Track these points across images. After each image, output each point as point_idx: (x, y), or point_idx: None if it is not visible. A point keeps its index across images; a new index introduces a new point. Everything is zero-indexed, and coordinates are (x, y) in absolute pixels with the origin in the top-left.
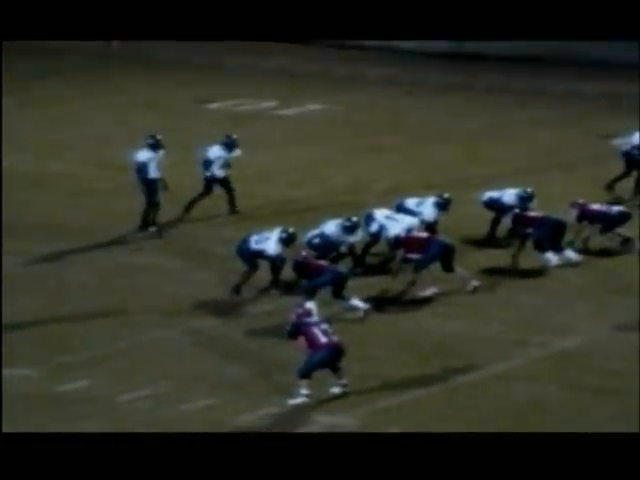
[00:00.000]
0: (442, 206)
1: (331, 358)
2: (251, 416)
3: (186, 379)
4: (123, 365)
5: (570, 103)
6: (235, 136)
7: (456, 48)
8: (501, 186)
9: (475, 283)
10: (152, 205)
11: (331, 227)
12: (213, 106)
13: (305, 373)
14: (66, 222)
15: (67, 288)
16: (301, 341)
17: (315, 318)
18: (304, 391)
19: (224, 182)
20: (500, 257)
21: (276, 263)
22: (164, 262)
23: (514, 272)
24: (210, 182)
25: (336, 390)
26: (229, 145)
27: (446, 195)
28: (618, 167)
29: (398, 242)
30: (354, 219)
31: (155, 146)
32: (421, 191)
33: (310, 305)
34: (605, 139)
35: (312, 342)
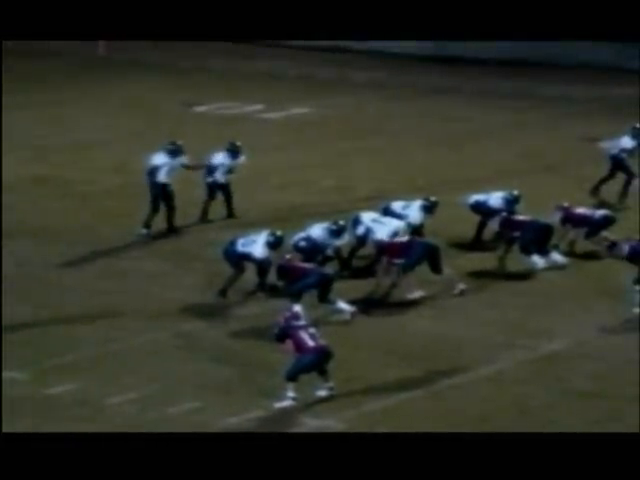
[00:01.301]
0: (428, 209)
1: (319, 361)
2: (238, 419)
3: (173, 382)
4: (111, 368)
5: (556, 105)
6: (239, 143)
7: (442, 51)
8: (487, 189)
9: (462, 286)
10: (154, 209)
11: (317, 230)
12: (199, 109)
13: (292, 376)
14: (54, 225)
15: (55, 291)
16: (288, 344)
17: (303, 322)
18: (291, 394)
19: (224, 187)
20: (487, 260)
21: (263, 266)
22: (152, 265)
23: (500, 275)
24: (212, 187)
25: (322, 393)
26: (233, 152)
27: (432, 198)
28: (604, 170)
29: (381, 248)
30: (340, 222)
31: (173, 152)
32: (407, 194)
33: (298, 308)
34: (591, 142)
35: (300, 345)
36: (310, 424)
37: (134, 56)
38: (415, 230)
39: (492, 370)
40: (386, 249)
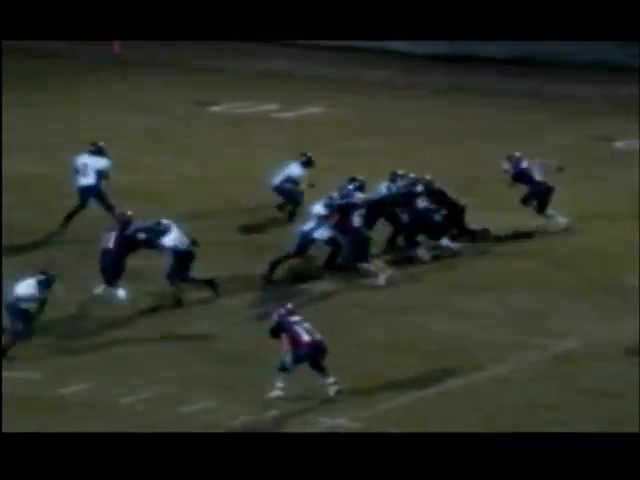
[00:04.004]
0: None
1: (314, 356)
2: (250, 418)
3: (186, 381)
4: (125, 368)
5: (569, 104)
6: (310, 154)
7: (455, 50)
8: (499, 188)
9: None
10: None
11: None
12: (213, 109)
13: (283, 367)
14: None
15: (69, 290)
16: (284, 340)
17: (297, 317)
18: (280, 384)
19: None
20: (498, 259)
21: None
22: (161, 264)
23: (512, 273)
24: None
25: (331, 391)
26: (306, 163)
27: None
28: (619, 170)
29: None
30: None
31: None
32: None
33: (291, 305)
34: (605, 141)
35: (295, 340)
36: (324, 423)
37: (148, 55)
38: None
39: (505, 370)
40: None
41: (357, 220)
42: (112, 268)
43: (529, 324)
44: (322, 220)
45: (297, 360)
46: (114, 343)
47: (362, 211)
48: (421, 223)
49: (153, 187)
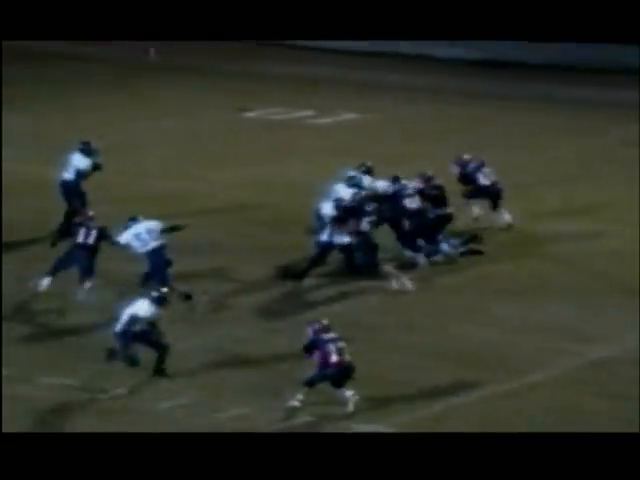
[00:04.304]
0: None
1: (339, 377)
2: (285, 425)
3: (221, 387)
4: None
5: (604, 110)
6: (370, 163)
7: (491, 55)
8: (536, 192)
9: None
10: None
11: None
12: (250, 115)
13: (310, 383)
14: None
15: (105, 295)
16: (315, 356)
17: (332, 335)
18: (300, 397)
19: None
20: (527, 264)
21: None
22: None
23: (545, 279)
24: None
25: (351, 405)
26: (367, 172)
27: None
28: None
29: None
30: None
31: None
32: (455, 198)
33: (326, 321)
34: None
35: (324, 359)
36: (360, 430)
37: (185, 61)
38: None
39: (540, 376)
40: None
41: (366, 225)
42: (89, 264)
43: (563, 330)
44: (335, 225)
45: (322, 378)
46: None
47: (373, 217)
48: (418, 225)
49: (188, 193)
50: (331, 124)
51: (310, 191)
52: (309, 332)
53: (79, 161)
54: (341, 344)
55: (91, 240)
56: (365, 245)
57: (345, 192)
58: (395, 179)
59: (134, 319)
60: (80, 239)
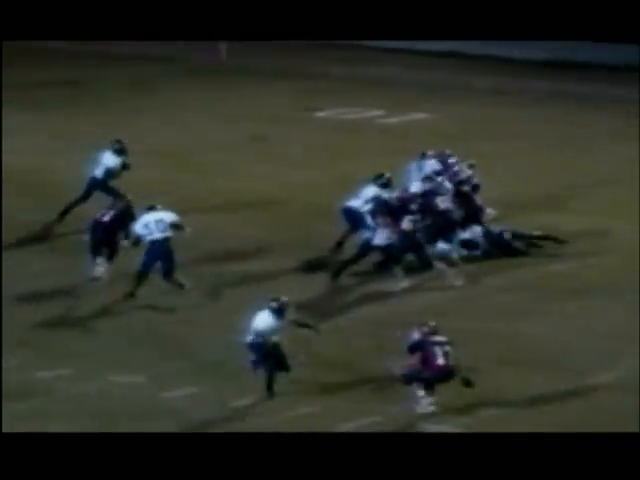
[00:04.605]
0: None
1: (439, 381)
2: (354, 424)
3: (290, 386)
4: (230, 371)
5: None
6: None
7: (561, 56)
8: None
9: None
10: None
11: None
12: (320, 114)
13: (427, 387)
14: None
15: (178, 298)
16: (416, 357)
17: (440, 338)
18: (426, 400)
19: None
20: (591, 263)
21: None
22: (268, 267)
23: (609, 279)
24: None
25: (424, 407)
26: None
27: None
28: None
29: None
30: None
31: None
32: (526, 200)
33: (433, 323)
34: None
35: (428, 360)
36: (427, 429)
37: (255, 61)
38: None
39: (604, 378)
40: None
41: (408, 224)
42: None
43: (627, 331)
44: (376, 222)
45: (421, 380)
46: (220, 346)
47: (416, 216)
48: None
49: (258, 193)
50: (401, 124)
51: None
52: (415, 334)
53: (109, 159)
54: (448, 348)
55: (107, 218)
56: (410, 244)
57: (374, 192)
58: (428, 178)
59: (255, 332)
60: (97, 215)
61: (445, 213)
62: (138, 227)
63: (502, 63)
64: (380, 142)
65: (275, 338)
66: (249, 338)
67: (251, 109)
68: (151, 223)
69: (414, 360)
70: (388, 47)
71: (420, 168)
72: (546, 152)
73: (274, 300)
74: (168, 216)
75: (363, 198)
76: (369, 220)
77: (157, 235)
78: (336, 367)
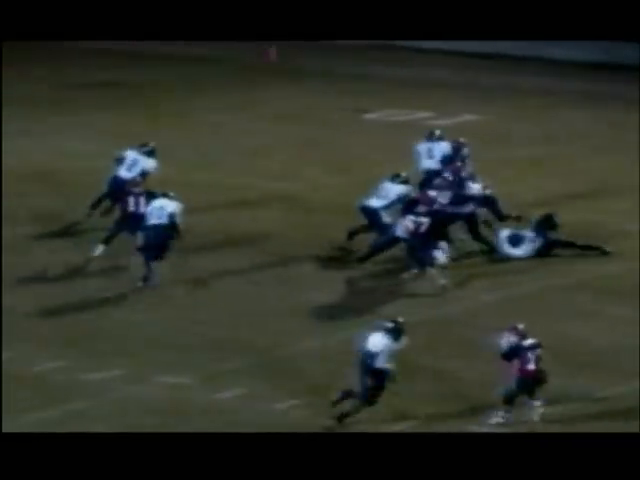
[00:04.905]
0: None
1: (535, 386)
2: (399, 427)
3: (341, 389)
4: (278, 373)
5: None
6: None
7: (610, 58)
8: None
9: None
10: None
11: None
12: (370, 116)
13: (510, 399)
14: (224, 230)
15: (227, 296)
16: (514, 365)
17: (530, 341)
18: (501, 413)
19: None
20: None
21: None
22: (318, 270)
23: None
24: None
25: (536, 414)
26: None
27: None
28: None
29: None
30: None
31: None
32: (574, 202)
33: (522, 326)
34: None
35: (523, 367)
36: (473, 429)
37: (304, 63)
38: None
39: None
40: None
41: (410, 224)
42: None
43: None
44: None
45: (522, 388)
46: (269, 348)
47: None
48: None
49: (308, 195)
50: (451, 125)
51: None
52: (509, 339)
53: (146, 162)
54: (539, 351)
55: (141, 208)
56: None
57: (399, 190)
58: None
59: (368, 354)
60: (131, 207)
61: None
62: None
63: (550, 64)
64: None
65: (389, 364)
66: (361, 359)
67: (300, 111)
68: (155, 208)
69: (514, 369)
70: (437, 49)
71: (429, 150)
72: (595, 153)
73: (390, 321)
74: (171, 205)
75: (387, 198)
76: (386, 218)
77: (153, 221)
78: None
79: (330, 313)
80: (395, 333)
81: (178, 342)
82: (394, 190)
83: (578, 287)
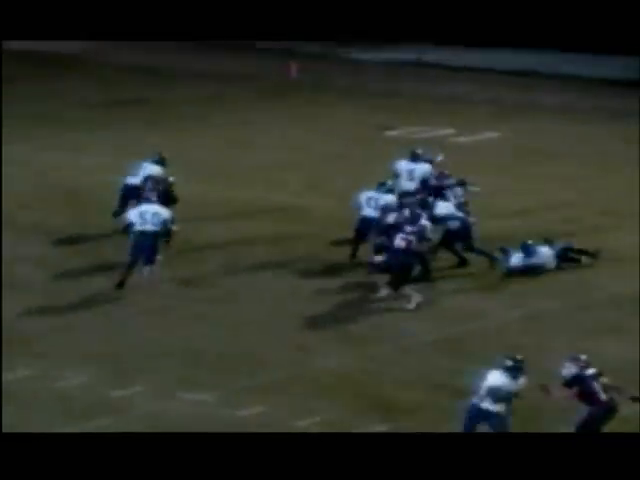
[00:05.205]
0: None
1: (608, 416)
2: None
3: (361, 406)
4: (299, 391)
5: None
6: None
7: (631, 74)
8: None
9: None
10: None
11: None
12: (391, 133)
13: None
14: (241, 241)
15: (238, 313)
16: (572, 392)
17: (592, 370)
18: None
19: None
20: None
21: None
22: (337, 288)
23: None
24: None
25: None
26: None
27: None
28: None
29: None
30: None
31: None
32: (597, 219)
33: (585, 357)
34: None
35: (592, 397)
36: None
37: (325, 79)
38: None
39: None
40: None
41: (400, 242)
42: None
43: None
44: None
45: (596, 418)
46: (290, 365)
47: (411, 230)
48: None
49: (328, 210)
50: (472, 143)
51: None
52: (572, 368)
53: (149, 168)
54: (604, 380)
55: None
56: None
57: (382, 199)
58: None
59: (488, 392)
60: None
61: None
62: (133, 215)
63: (572, 81)
64: (452, 161)
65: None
66: (477, 400)
67: (322, 127)
68: (147, 214)
69: (570, 395)
70: (458, 66)
71: (411, 172)
72: (616, 170)
73: (509, 358)
74: (164, 212)
75: (377, 207)
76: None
77: (149, 227)
78: (407, 385)
79: (349, 328)
80: (515, 371)
81: (199, 359)
82: (382, 200)
83: (600, 304)
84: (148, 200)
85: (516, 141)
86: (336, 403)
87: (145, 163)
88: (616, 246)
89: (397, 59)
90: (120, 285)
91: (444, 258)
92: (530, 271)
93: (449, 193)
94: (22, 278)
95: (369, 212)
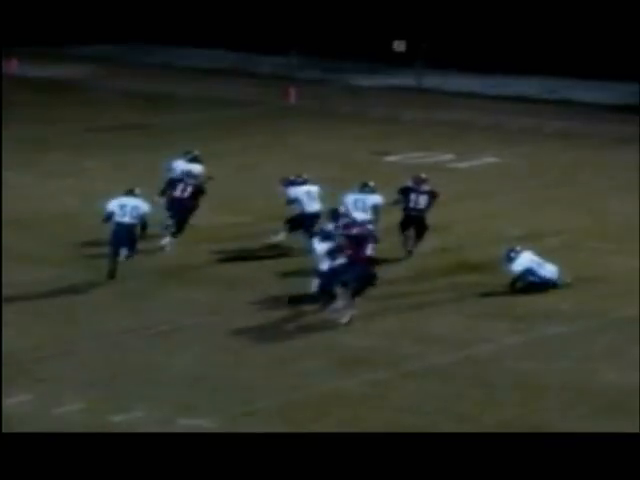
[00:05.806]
0: None
1: None
2: None
3: (360, 430)
4: (300, 415)
5: None
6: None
7: (633, 100)
8: None
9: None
10: None
11: None
12: (390, 159)
13: None
14: (255, 271)
15: (247, 338)
16: None
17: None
18: None
19: None
20: None
21: None
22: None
23: None
24: None
25: None
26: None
27: None
28: None
29: None
30: None
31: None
32: (597, 243)
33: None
34: None
35: None
36: None
37: (324, 105)
38: None
39: None
40: None
41: (371, 251)
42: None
43: None
44: (335, 254)
45: None
46: (289, 390)
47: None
48: None
49: None
50: (471, 168)
51: (451, 234)
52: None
53: (194, 168)
54: None
55: (187, 194)
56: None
57: (368, 200)
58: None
59: None
60: (177, 193)
61: None
62: (113, 205)
63: (571, 107)
64: (451, 186)
65: None
66: None
67: (321, 153)
68: (127, 207)
69: None
70: (458, 91)
71: (363, 202)
72: (617, 195)
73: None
74: (143, 206)
75: (365, 209)
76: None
77: (127, 219)
78: (414, 411)
79: (352, 354)
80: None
81: (199, 383)
82: (368, 200)
83: (601, 328)
84: (130, 192)
85: (516, 166)
86: (337, 428)
87: (177, 162)
88: (616, 270)
89: (397, 85)
90: (111, 276)
91: (453, 282)
92: (537, 286)
93: None
94: (21, 302)
95: (358, 216)
